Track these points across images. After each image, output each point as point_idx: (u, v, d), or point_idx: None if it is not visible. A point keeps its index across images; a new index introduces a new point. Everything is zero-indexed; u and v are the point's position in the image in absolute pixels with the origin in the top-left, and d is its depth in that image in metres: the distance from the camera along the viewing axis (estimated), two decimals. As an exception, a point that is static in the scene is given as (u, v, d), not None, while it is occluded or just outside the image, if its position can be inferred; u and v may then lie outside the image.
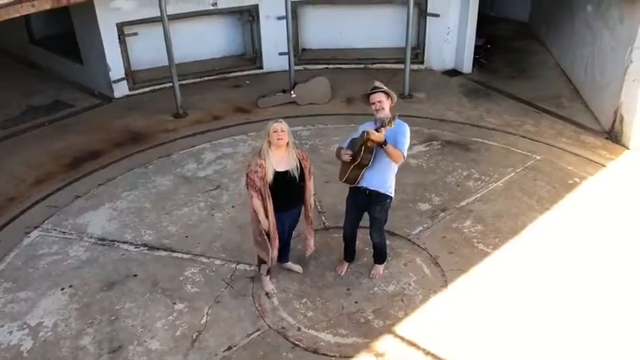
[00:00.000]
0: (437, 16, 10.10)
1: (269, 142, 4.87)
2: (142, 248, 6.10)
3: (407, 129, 5.03)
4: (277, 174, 4.87)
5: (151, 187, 7.17)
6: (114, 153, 8.00)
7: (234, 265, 5.80)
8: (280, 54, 10.41)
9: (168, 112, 9.10)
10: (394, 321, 5.11)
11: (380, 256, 5.58)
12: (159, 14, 9.08)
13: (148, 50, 9.91)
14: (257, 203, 4.91)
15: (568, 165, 7.36)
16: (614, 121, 7.97)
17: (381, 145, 4.80)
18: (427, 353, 4.79)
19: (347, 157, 5.01)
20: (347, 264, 5.70)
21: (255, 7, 10.18)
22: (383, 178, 5.05)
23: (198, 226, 6.43)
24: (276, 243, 5.11)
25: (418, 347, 4.84)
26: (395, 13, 10.83)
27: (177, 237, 6.26)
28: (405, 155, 4.99)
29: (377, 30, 10.86)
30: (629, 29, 7.60)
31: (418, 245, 6.03)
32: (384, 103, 4.97)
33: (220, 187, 7.13)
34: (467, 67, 10.34)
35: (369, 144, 4.86)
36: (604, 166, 7.35)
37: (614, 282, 5.45)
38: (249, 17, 10.35)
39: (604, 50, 8.43)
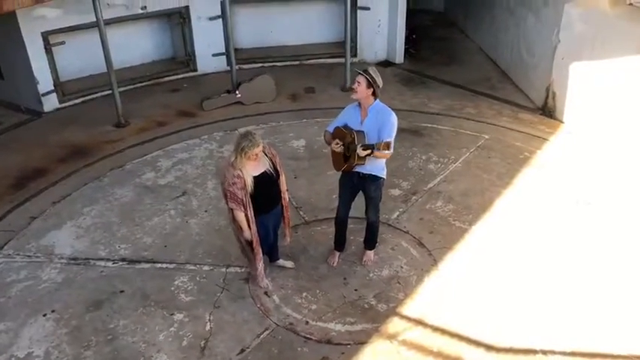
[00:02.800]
0: (367, 9, 10.35)
1: (241, 157, 4.68)
2: (121, 263, 5.83)
3: (392, 120, 5.04)
4: (255, 178, 4.81)
5: (113, 200, 6.84)
6: (60, 169, 7.53)
7: (224, 269, 5.69)
8: (214, 55, 10.28)
9: (108, 122, 8.68)
10: (397, 303, 5.26)
11: (372, 239, 5.69)
12: (87, 21, 8.74)
13: (75, 59, 9.43)
14: (241, 216, 4.83)
15: (515, 141, 7.86)
16: (547, 97, 8.59)
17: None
18: (435, 329, 4.97)
19: (339, 149, 5.05)
20: (338, 254, 5.76)
21: (186, 8, 9.93)
22: (375, 163, 5.15)
23: (175, 234, 6.23)
24: (260, 255, 5.11)
25: (426, 325, 5.02)
26: (324, 9, 11.03)
27: (156, 248, 6.03)
28: (392, 150, 4.99)
29: (308, 26, 10.96)
30: (554, 11, 8.22)
31: (400, 229, 6.22)
32: (359, 86, 4.97)
33: (187, 193, 6.93)
34: (399, 57, 10.69)
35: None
36: (547, 139, 7.91)
37: (583, 239, 5.93)
38: (179, 19, 10.08)
39: (529, 33, 9.05)
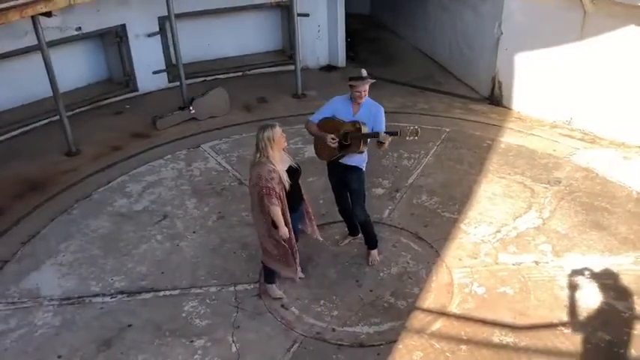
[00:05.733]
0: (307, 15, 10.36)
1: (271, 148, 4.73)
2: (120, 296, 5.50)
3: (383, 113, 5.37)
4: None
5: (89, 232, 6.44)
6: (19, 207, 6.96)
7: (232, 288, 5.53)
8: (155, 72, 9.94)
9: (57, 152, 8.12)
10: (414, 298, 5.35)
11: (370, 238, 5.78)
12: (17, 47, 8.23)
13: (6, 89, 8.76)
14: (278, 212, 4.77)
15: (474, 131, 8.22)
16: (493, 87, 9.05)
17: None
18: (459, 318, 5.12)
19: (334, 143, 5.20)
20: (350, 238, 6.00)
21: (123, 26, 9.52)
22: (360, 155, 5.37)
23: (169, 259, 5.97)
24: (296, 248, 5.06)
25: (449, 315, 5.15)
26: (260, 19, 10.98)
27: (153, 276, 5.75)
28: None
29: (246, 37, 10.87)
30: (493, 6, 8.68)
31: (395, 226, 6.32)
32: (366, 92, 5.23)
33: (168, 216, 6.65)
34: (341, 61, 10.86)
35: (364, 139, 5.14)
36: (502, 127, 8.34)
37: (564, 215, 6.32)
38: (115, 38, 9.63)
39: (468, 28, 9.50)
